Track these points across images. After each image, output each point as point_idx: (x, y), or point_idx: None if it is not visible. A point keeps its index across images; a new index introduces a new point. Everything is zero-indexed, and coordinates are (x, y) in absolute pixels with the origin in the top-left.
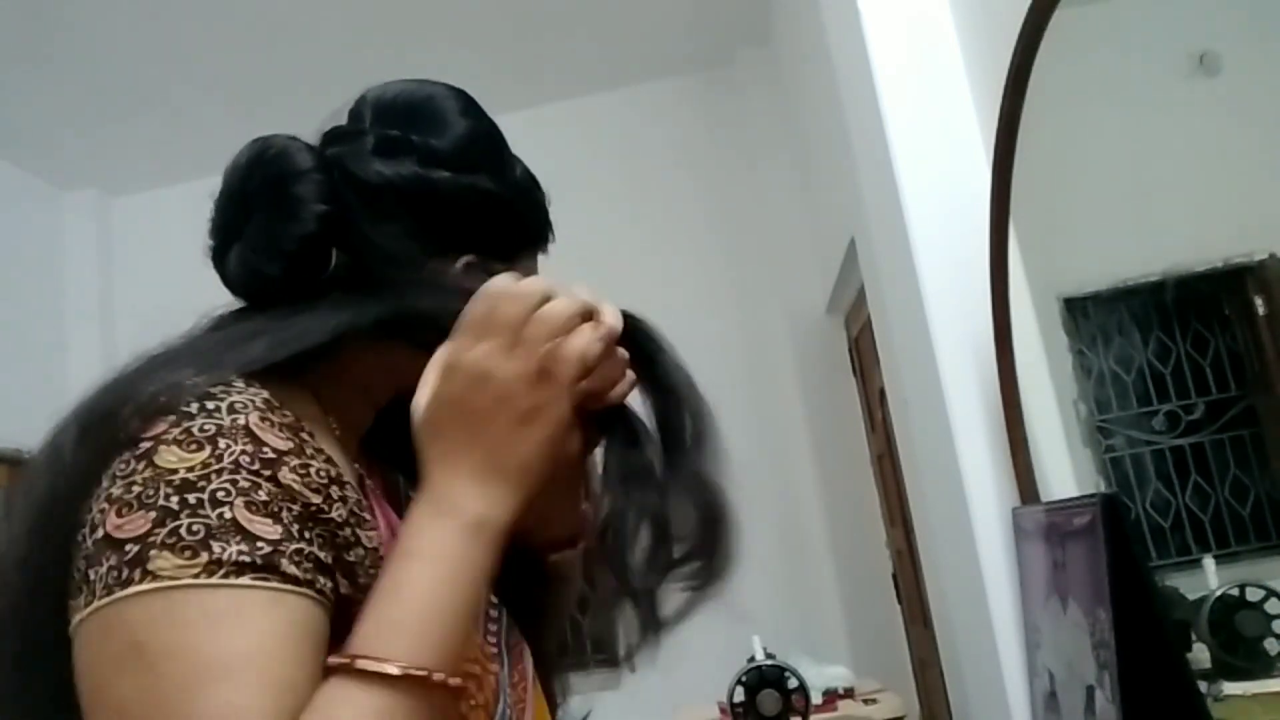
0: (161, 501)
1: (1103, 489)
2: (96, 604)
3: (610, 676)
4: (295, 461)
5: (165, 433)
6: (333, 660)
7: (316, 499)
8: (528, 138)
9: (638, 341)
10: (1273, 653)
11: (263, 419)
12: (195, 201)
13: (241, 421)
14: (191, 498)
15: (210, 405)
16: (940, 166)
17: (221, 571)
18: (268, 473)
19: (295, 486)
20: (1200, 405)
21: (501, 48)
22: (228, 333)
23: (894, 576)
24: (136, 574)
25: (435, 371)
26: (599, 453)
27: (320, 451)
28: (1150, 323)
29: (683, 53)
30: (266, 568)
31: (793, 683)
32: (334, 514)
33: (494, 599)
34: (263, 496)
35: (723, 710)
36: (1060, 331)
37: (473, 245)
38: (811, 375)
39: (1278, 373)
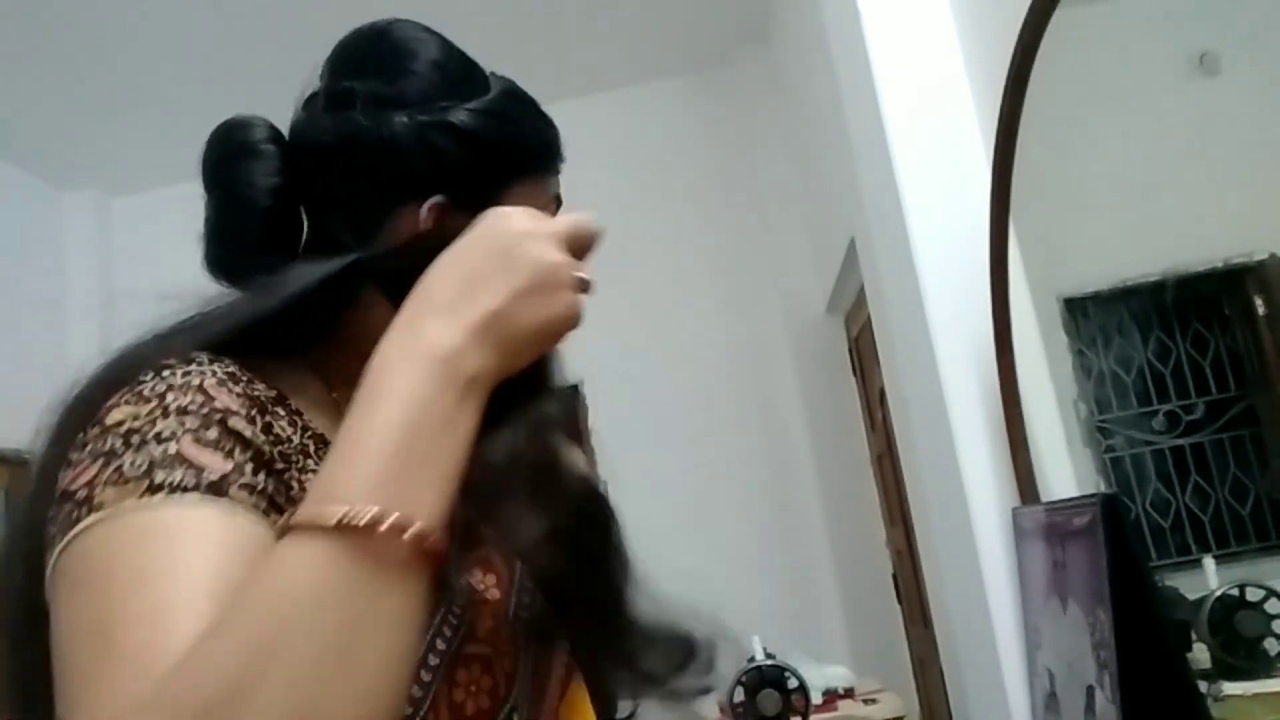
0: (106, 449)
1: (1103, 489)
2: (54, 553)
3: None
4: (245, 416)
5: (117, 399)
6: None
7: (269, 450)
8: None
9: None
10: (1273, 653)
11: (219, 384)
12: (195, 201)
13: (195, 381)
14: (135, 439)
15: (165, 372)
16: (940, 166)
17: (165, 492)
18: (218, 417)
19: (246, 434)
20: (1200, 405)
21: (501, 48)
22: (198, 314)
23: (894, 576)
24: (83, 511)
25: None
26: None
27: (296, 425)
28: (1150, 323)
29: (683, 53)
30: (213, 490)
31: (793, 683)
32: (289, 478)
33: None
34: (212, 435)
35: (723, 710)
36: (1060, 332)
37: (443, 185)
38: (811, 375)
39: (1278, 373)
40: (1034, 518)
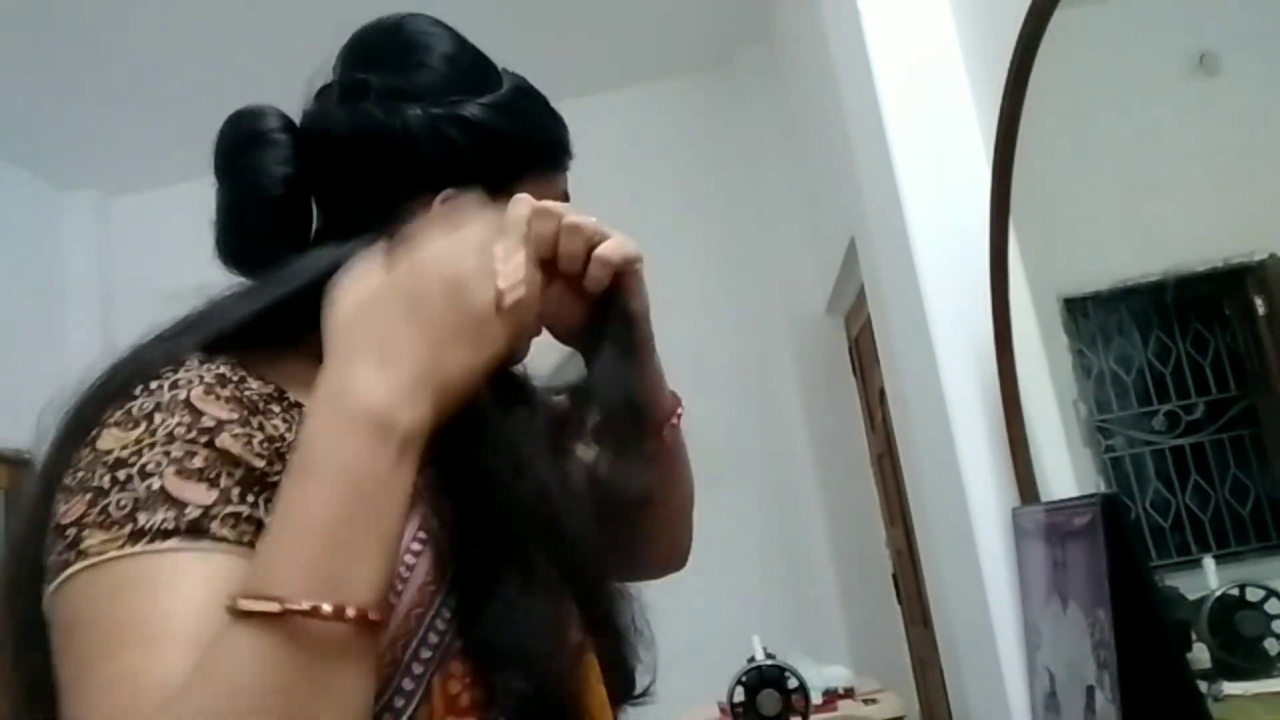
0: (95, 483)
1: (1103, 489)
2: (48, 591)
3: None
4: (238, 430)
5: (108, 417)
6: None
7: (260, 463)
8: None
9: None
10: (1273, 653)
11: (207, 392)
12: (195, 201)
13: (182, 396)
14: (122, 474)
15: (154, 385)
16: (940, 166)
17: (145, 539)
18: (205, 439)
19: (234, 451)
20: (1200, 405)
21: (500, 48)
22: (201, 309)
23: (894, 576)
24: (72, 555)
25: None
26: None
27: (291, 420)
28: (1150, 323)
29: (683, 52)
30: (192, 531)
31: (793, 683)
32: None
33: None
34: (197, 463)
35: (723, 710)
36: (1060, 331)
37: (454, 178)
38: (811, 375)
39: (1278, 373)
40: (1034, 518)
